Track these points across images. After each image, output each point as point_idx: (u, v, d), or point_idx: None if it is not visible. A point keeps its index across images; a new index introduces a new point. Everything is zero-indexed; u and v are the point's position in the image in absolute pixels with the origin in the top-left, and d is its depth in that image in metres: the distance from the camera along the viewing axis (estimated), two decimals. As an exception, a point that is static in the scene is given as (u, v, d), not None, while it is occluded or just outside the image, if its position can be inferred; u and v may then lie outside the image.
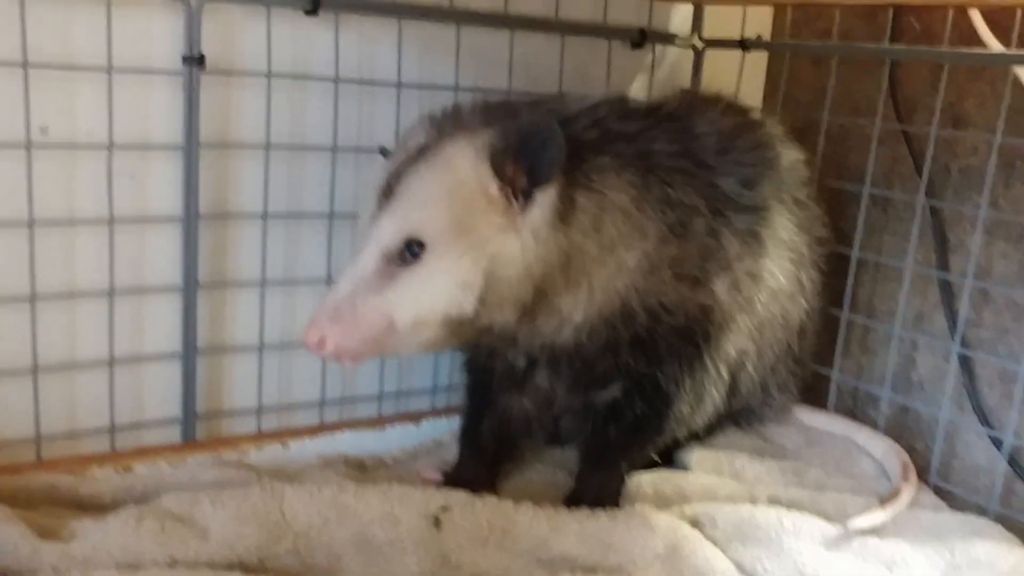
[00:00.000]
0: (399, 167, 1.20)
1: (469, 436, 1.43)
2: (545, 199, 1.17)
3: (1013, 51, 1.39)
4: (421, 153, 1.19)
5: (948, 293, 1.60)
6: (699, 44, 1.78)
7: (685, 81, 1.81)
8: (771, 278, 1.37)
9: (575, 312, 1.23)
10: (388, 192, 1.19)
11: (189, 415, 1.44)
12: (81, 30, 1.29)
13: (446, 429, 1.55)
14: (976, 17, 1.47)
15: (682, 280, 1.27)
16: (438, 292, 1.15)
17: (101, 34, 1.28)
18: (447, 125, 1.21)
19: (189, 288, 1.40)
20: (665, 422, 1.36)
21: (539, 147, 1.13)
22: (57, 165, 1.31)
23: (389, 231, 1.17)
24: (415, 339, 1.18)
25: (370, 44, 1.50)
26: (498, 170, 1.15)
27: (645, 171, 1.24)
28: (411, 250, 1.15)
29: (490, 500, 1.26)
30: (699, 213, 1.27)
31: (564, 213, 1.18)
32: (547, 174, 1.15)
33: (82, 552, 1.09)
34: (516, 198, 1.16)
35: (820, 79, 1.76)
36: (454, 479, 1.38)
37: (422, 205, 1.16)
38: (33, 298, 1.31)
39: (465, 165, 1.16)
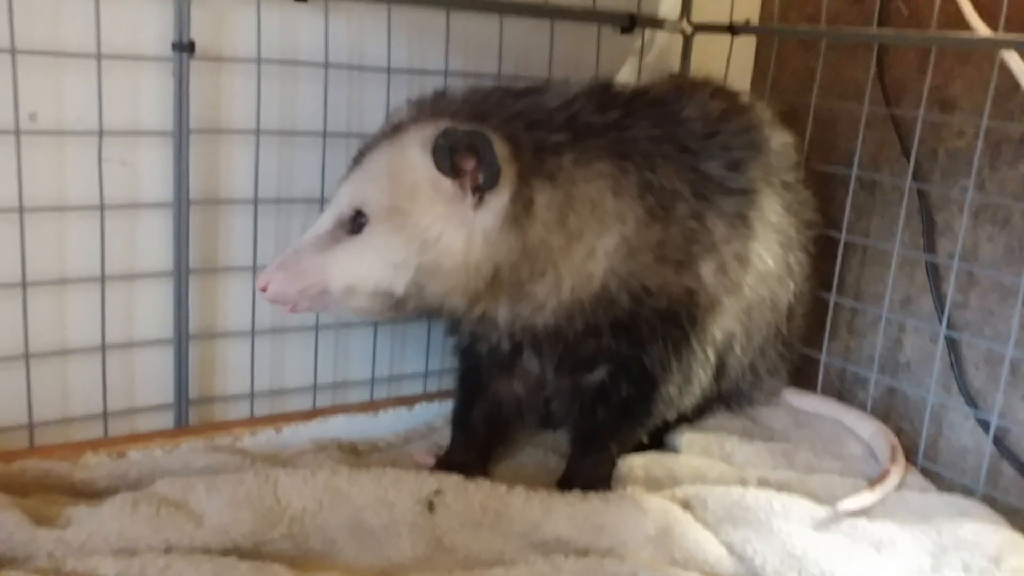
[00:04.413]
0: (373, 140, 1.24)
1: (461, 420, 1.44)
2: (498, 203, 1.17)
3: (1000, 35, 1.40)
4: (394, 130, 1.22)
5: (935, 276, 1.61)
6: (688, 29, 1.78)
7: (674, 66, 1.81)
8: (759, 261, 1.38)
9: (549, 298, 1.24)
10: (358, 161, 1.24)
11: (182, 401, 1.45)
12: (70, 16, 1.28)
13: (438, 413, 1.56)
14: (963, 1, 1.47)
15: (665, 263, 1.27)
16: (369, 266, 1.18)
17: (90, 20, 1.28)
18: (425, 109, 1.24)
19: (180, 274, 1.40)
20: (653, 404, 1.37)
21: (482, 156, 1.14)
22: (47, 152, 1.31)
23: (344, 199, 1.21)
24: (348, 303, 1.22)
25: (360, 30, 1.50)
26: (441, 163, 1.15)
27: (620, 157, 1.24)
28: (357, 220, 1.19)
29: (483, 484, 1.27)
30: (682, 197, 1.28)
31: (519, 215, 1.18)
32: (489, 183, 1.16)
33: (78, 538, 1.09)
34: (473, 193, 1.17)
35: (808, 63, 1.77)
36: (447, 463, 1.39)
37: (371, 180, 1.20)
38: (24, 285, 1.31)
39: (416, 151, 1.18)
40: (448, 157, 1.14)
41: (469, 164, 1.15)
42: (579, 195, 1.21)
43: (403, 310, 1.23)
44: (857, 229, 1.70)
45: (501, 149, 1.16)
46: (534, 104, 1.24)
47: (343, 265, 1.19)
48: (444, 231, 1.17)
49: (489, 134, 1.15)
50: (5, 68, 1.24)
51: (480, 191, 1.16)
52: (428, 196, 1.17)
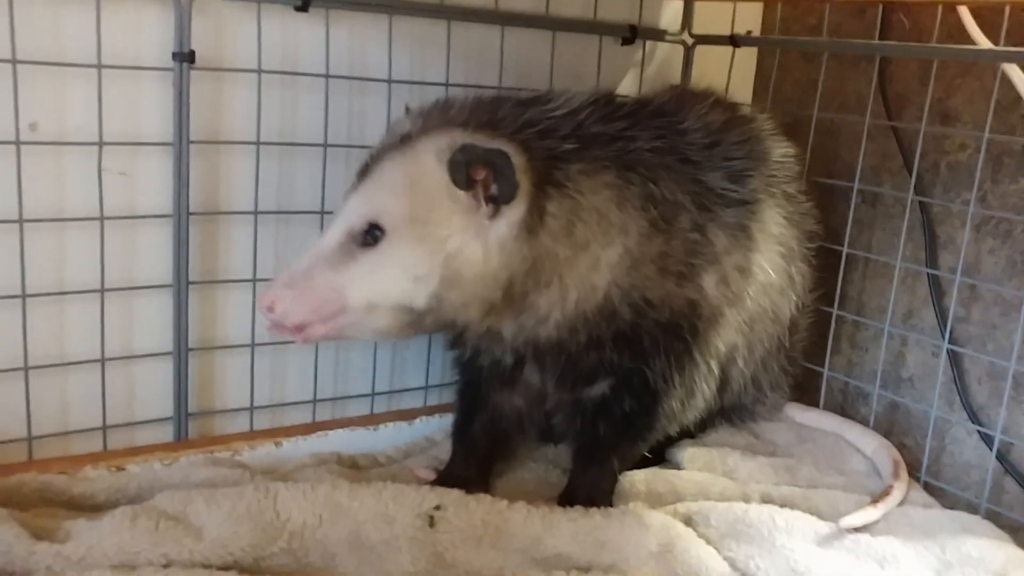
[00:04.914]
0: (380, 151, 1.22)
1: (462, 434, 1.43)
2: (513, 213, 1.17)
3: (1001, 47, 1.40)
4: (402, 141, 1.20)
5: (937, 289, 1.61)
6: (689, 40, 1.78)
7: (675, 77, 1.81)
8: (761, 272, 1.37)
9: (553, 310, 1.23)
10: (364, 173, 1.21)
11: (181, 414, 1.44)
12: (71, 26, 1.27)
13: (439, 427, 1.55)
14: (965, 14, 1.47)
15: (667, 275, 1.27)
16: (391, 280, 1.16)
17: (91, 30, 1.27)
18: (433, 117, 1.22)
19: (180, 286, 1.39)
20: (655, 418, 1.36)
21: (499, 171, 1.14)
22: (47, 162, 1.30)
23: (355, 212, 1.18)
24: (368, 323, 1.19)
25: (361, 40, 1.49)
26: (456, 175, 1.14)
27: (625, 169, 1.24)
28: (372, 234, 1.17)
29: (484, 499, 1.26)
30: (684, 209, 1.27)
31: (532, 225, 1.18)
32: (505, 199, 1.15)
33: (77, 553, 1.08)
34: (487, 203, 1.16)
35: (810, 75, 1.76)
36: (447, 478, 1.38)
37: (387, 192, 1.18)
38: (23, 296, 1.30)
39: (431, 161, 1.16)
40: (464, 171, 1.13)
41: (480, 174, 1.14)
42: (586, 205, 1.21)
43: (421, 326, 1.22)
44: (859, 242, 1.70)
45: (517, 160, 1.16)
46: (542, 113, 1.23)
47: (363, 281, 1.16)
48: (464, 241, 1.16)
49: (508, 150, 1.14)
50: (6, 78, 1.23)
51: (494, 201, 1.15)
52: (446, 206, 1.16)
